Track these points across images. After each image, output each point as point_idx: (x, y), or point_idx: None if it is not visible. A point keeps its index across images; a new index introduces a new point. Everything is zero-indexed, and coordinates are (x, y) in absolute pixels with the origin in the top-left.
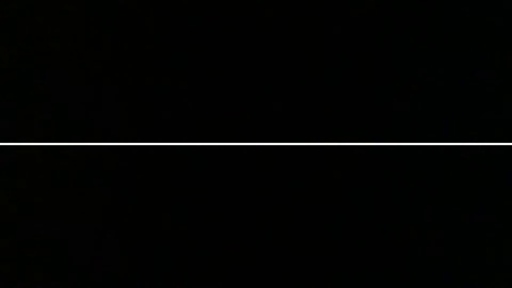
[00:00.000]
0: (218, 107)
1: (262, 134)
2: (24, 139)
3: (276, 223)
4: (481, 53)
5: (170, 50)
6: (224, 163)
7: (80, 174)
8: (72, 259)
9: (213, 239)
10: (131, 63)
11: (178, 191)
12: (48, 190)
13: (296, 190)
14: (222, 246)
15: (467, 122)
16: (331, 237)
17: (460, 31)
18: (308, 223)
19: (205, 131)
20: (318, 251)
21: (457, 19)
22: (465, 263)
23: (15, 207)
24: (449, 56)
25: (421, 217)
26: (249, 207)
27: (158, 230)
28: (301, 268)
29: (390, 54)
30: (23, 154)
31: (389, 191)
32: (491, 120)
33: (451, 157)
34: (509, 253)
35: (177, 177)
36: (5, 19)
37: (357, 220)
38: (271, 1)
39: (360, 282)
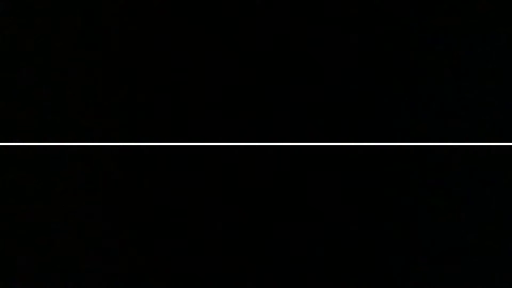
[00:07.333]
0: (217, 107)
1: (262, 134)
2: (24, 139)
3: (275, 223)
4: (481, 53)
5: (170, 50)
6: (224, 163)
7: (79, 174)
8: (72, 259)
9: (212, 239)
10: (131, 63)
11: (178, 191)
12: (48, 190)
13: (296, 190)
14: (222, 246)
15: (467, 122)
16: (331, 237)
17: (459, 31)
18: (307, 223)
19: (204, 131)
20: (318, 252)
21: (457, 19)
22: (465, 263)
23: (15, 207)
24: (449, 56)
25: (420, 217)
26: (248, 207)
27: (158, 231)
28: (301, 268)
29: (390, 54)
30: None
31: (389, 191)
32: (491, 120)
33: (451, 157)
34: (509, 253)
35: (177, 177)
36: (4, 19)
37: (357, 220)
38: (271, 1)
39: (360, 282)
